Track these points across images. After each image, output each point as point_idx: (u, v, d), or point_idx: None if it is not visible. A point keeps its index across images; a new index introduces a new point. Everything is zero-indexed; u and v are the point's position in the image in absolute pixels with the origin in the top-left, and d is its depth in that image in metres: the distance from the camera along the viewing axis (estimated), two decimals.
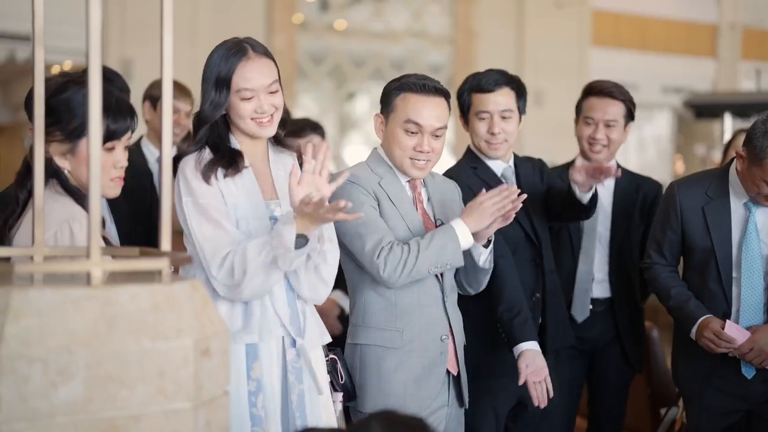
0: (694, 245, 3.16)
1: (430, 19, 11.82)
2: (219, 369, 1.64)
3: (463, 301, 3.03)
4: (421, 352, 2.82)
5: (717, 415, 3.17)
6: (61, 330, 1.48)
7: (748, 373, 3.10)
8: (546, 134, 11.29)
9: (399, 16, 11.69)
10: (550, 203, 3.34)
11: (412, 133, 2.81)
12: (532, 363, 2.98)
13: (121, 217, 3.00)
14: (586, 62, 12.48)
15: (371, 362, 2.80)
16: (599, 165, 3.09)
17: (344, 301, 3.88)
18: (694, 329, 3.12)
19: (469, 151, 3.36)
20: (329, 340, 2.68)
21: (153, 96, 4.46)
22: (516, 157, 3.40)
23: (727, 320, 3.07)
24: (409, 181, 2.90)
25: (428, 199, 2.95)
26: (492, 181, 3.21)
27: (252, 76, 2.50)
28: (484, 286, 3.01)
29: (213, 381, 1.62)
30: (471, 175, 3.22)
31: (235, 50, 2.52)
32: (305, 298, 2.58)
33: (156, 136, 4.45)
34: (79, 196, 2.35)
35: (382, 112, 2.89)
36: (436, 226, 2.85)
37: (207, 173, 2.47)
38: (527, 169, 3.39)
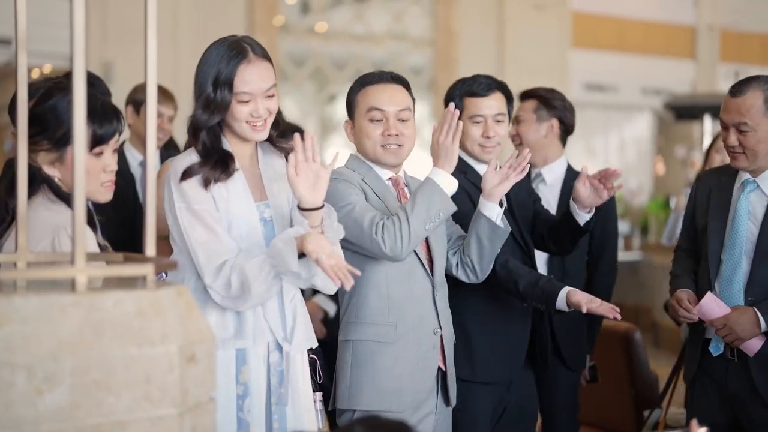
0: (698, 226, 3.28)
1: (410, 21, 11.82)
2: (205, 375, 1.63)
3: (470, 297, 3.07)
4: (414, 346, 2.83)
5: (704, 405, 3.20)
6: (47, 336, 1.48)
7: (715, 350, 3.16)
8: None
9: (379, 18, 11.69)
10: (539, 231, 3.35)
11: (377, 120, 2.84)
12: (582, 294, 2.97)
13: (106, 223, 2.98)
14: (567, 63, 12.53)
15: (365, 358, 2.80)
16: (605, 170, 3.07)
17: (328, 305, 3.88)
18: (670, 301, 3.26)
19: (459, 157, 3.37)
20: (315, 345, 2.67)
21: (136, 100, 4.44)
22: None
23: (709, 292, 3.13)
24: (390, 178, 2.91)
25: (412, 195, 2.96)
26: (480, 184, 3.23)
27: (252, 79, 2.48)
28: (491, 265, 3.00)
29: (199, 387, 1.62)
30: (463, 179, 3.23)
31: (236, 51, 2.49)
32: (318, 287, 2.55)
33: (139, 140, 4.43)
34: (71, 203, 2.34)
35: (349, 118, 2.93)
36: None
37: (202, 179, 2.46)
38: None
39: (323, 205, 2.45)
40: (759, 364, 3.08)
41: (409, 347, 2.83)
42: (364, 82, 2.92)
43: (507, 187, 2.86)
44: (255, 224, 2.51)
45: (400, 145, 2.86)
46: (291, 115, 9.84)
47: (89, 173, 2.32)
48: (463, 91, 3.27)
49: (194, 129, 2.51)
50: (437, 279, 2.92)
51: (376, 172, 2.91)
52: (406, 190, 2.96)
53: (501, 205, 2.91)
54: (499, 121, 3.26)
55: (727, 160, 3.24)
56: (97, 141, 2.36)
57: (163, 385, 1.55)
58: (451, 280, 3.04)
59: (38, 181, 2.32)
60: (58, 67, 9.59)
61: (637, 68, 13.25)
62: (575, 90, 12.87)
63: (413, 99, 2.96)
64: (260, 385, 2.50)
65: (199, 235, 2.41)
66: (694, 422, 1.86)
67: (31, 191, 2.21)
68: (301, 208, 2.41)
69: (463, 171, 3.27)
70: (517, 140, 3.95)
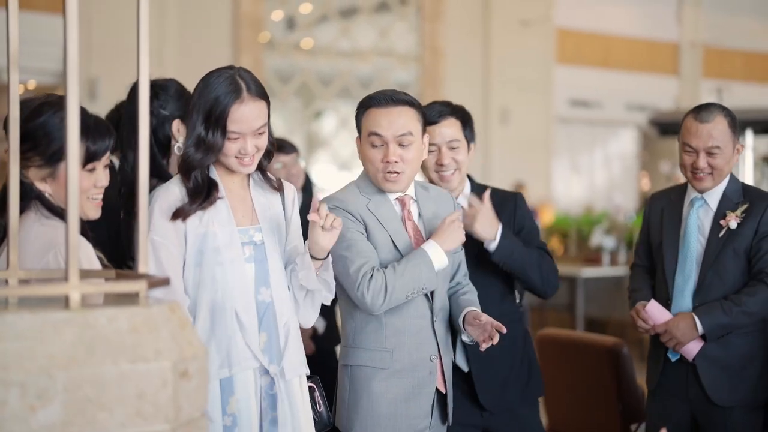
0: (653, 242, 3.53)
1: (396, 37, 11.89)
2: (197, 391, 1.64)
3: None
4: (410, 372, 2.83)
5: (666, 409, 3.39)
6: (40, 353, 1.48)
7: (673, 356, 3.39)
8: (512, 151, 11.37)
9: (366, 34, 11.74)
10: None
11: (377, 146, 2.83)
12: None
13: (99, 241, 2.96)
14: (551, 80, 12.61)
15: (361, 383, 2.81)
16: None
17: (318, 322, 3.89)
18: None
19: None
20: (307, 372, 2.67)
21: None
22: (477, 186, 3.35)
23: (652, 299, 3.40)
24: (397, 198, 2.91)
25: (419, 215, 2.94)
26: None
27: (243, 119, 2.46)
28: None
29: (191, 403, 1.62)
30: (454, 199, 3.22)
31: (230, 89, 2.46)
32: (299, 321, 2.61)
33: None
34: (65, 217, 2.34)
35: (359, 135, 2.92)
36: None
37: (182, 211, 2.46)
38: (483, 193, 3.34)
39: (329, 255, 2.60)
40: (705, 366, 3.31)
41: (405, 373, 2.83)
42: (367, 103, 2.88)
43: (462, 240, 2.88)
44: (237, 248, 2.51)
45: (398, 172, 2.81)
46: (277, 131, 9.86)
47: (80, 189, 2.32)
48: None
49: (187, 167, 2.50)
50: (437, 304, 2.90)
51: (384, 193, 2.90)
52: (412, 211, 2.93)
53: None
54: (453, 148, 3.22)
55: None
56: (90, 157, 2.36)
57: (156, 402, 1.55)
58: None
59: (30, 197, 2.32)
60: (43, 83, 9.60)
61: (621, 84, 13.36)
62: (560, 106, 12.96)
63: (424, 117, 2.91)
64: (251, 414, 2.48)
65: (150, 268, 2.42)
66: (663, 430, 1.90)
67: (23, 207, 2.21)
68: (314, 257, 2.56)
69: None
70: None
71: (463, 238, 2.81)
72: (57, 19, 8.77)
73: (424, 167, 3.22)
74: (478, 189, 3.33)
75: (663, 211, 3.50)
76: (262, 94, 2.53)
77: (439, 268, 2.77)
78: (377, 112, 2.84)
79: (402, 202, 2.90)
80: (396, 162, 2.80)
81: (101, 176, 2.41)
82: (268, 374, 2.53)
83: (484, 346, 2.79)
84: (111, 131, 2.44)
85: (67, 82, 1.59)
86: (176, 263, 2.47)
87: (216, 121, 2.45)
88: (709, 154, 3.30)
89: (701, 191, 3.39)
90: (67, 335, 1.50)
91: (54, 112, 2.32)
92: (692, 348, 3.30)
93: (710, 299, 3.31)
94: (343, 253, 2.74)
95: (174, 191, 2.49)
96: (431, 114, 3.18)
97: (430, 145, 3.14)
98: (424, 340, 2.85)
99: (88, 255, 2.27)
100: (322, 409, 2.74)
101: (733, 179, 3.42)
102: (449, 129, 3.21)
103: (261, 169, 2.62)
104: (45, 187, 2.35)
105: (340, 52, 11.60)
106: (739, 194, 3.38)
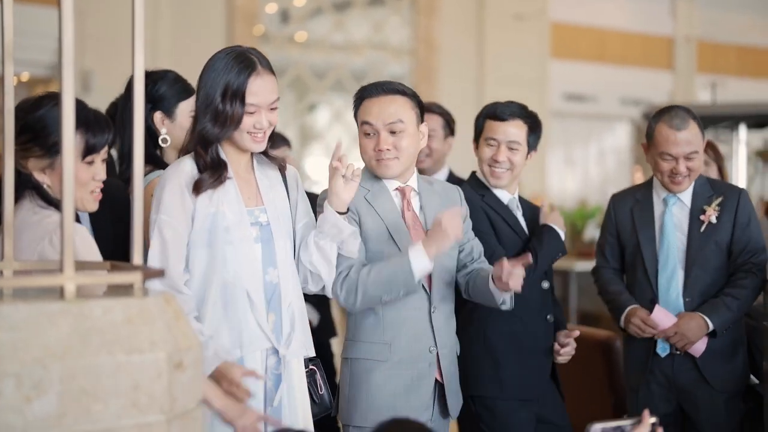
0: (626, 243, 3.58)
1: (390, 31, 11.87)
2: (192, 382, 1.64)
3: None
4: (409, 364, 2.85)
5: (653, 401, 3.46)
6: (35, 344, 1.48)
7: (662, 351, 3.45)
8: None
9: (360, 28, 11.72)
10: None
11: (369, 134, 2.86)
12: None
13: (103, 235, 2.95)
14: (546, 74, 12.61)
15: (360, 376, 2.83)
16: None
17: (310, 314, 3.89)
18: (622, 318, 3.52)
19: (474, 177, 3.37)
20: (312, 354, 2.68)
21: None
22: (520, 197, 3.40)
23: (657, 305, 3.43)
24: (398, 188, 2.92)
25: (420, 207, 2.95)
26: (499, 209, 3.24)
27: (261, 91, 2.50)
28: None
29: (186, 394, 1.63)
30: (481, 201, 3.23)
31: (245, 63, 2.50)
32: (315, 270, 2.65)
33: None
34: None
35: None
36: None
37: (199, 183, 2.47)
38: (532, 210, 3.40)
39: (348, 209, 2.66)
40: (703, 355, 3.41)
41: (403, 365, 2.85)
42: (361, 95, 2.92)
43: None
44: (246, 230, 2.53)
45: (393, 158, 2.84)
46: None
47: (79, 181, 2.34)
48: (486, 113, 3.29)
49: (205, 142, 2.51)
50: (435, 296, 2.91)
51: (384, 183, 2.91)
52: (413, 202, 2.94)
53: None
54: (513, 149, 3.24)
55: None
56: (89, 150, 2.37)
57: (151, 392, 1.55)
58: None
59: (26, 187, 2.33)
60: (37, 75, 9.58)
61: (615, 79, 13.36)
62: (555, 100, 12.96)
63: (420, 106, 2.92)
64: (259, 392, 2.51)
65: (156, 246, 2.43)
66: (646, 412, 1.92)
67: (17, 197, 2.22)
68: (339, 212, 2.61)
69: (480, 194, 3.28)
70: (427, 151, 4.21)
71: (459, 235, 2.73)
72: (51, 11, 8.74)
73: (478, 158, 3.28)
74: (523, 203, 3.40)
75: (632, 211, 3.56)
76: (272, 70, 2.58)
77: (420, 274, 2.74)
78: (369, 101, 2.89)
79: (402, 192, 2.91)
80: (388, 149, 2.82)
81: (100, 169, 2.42)
82: (274, 355, 2.55)
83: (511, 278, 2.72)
84: (110, 125, 2.46)
85: (62, 75, 1.59)
86: (181, 243, 2.48)
87: (234, 93, 2.47)
88: (688, 159, 3.39)
89: (679, 192, 3.48)
90: (62, 326, 1.51)
91: (53, 104, 2.34)
92: (700, 346, 3.41)
93: (698, 294, 3.41)
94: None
95: (185, 169, 2.51)
96: (502, 111, 3.26)
97: (491, 139, 3.20)
98: (422, 331, 2.87)
99: (86, 240, 2.28)
100: (323, 392, 2.74)
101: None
102: (514, 129, 3.25)
103: (264, 151, 2.64)
104: (44, 178, 2.36)
105: (334, 46, 11.59)
106: (707, 187, 3.50)
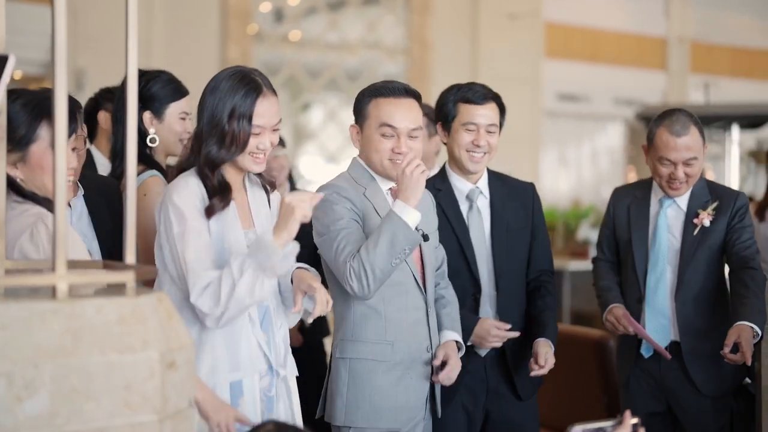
0: (620, 239, 3.60)
1: (384, 30, 11.87)
2: (184, 381, 1.64)
3: None
4: (409, 364, 2.85)
5: (642, 399, 3.49)
6: (27, 343, 1.48)
7: (646, 352, 3.48)
8: (501, 143, 11.33)
9: (354, 27, 11.72)
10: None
11: (388, 136, 2.84)
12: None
13: (104, 233, 2.93)
14: (540, 74, 12.62)
15: (362, 376, 2.81)
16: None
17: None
18: (604, 314, 3.52)
19: (442, 170, 3.35)
20: (297, 373, 2.68)
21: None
22: (494, 174, 3.38)
23: (646, 331, 3.41)
24: (390, 188, 2.91)
25: None
26: (449, 208, 3.21)
27: (266, 113, 2.50)
28: None
29: (179, 393, 1.62)
30: (436, 195, 3.20)
31: (251, 85, 2.49)
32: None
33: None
34: (38, 200, 2.35)
35: (356, 123, 2.91)
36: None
37: (211, 207, 2.46)
38: (502, 191, 3.35)
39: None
40: (691, 358, 3.42)
41: (405, 365, 2.85)
42: (377, 92, 2.88)
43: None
44: (243, 250, 2.51)
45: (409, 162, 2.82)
46: None
47: (45, 169, 2.34)
48: (458, 97, 3.24)
49: (212, 165, 2.49)
50: (429, 296, 2.93)
51: (378, 183, 2.90)
52: None
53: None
54: (490, 132, 3.23)
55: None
56: None
57: (143, 392, 1.55)
58: None
59: None
60: (29, 74, 9.55)
61: (609, 78, 13.37)
62: (548, 100, 12.96)
63: (421, 109, 2.94)
64: (256, 415, 2.51)
65: (191, 252, 2.40)
66: (627, 413, 1.92)
67: None
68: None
69: (438, 188, 3.25)
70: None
71: (417, 175, 2.71)
72: (44, 9, 8.72)
73: (454, 144, 3.22)
74: (494, 178, 3.38)
75: (629, 208, 3.57)
76: (275, 92, 2.59)
77: (415, 223, 2.72)
78: (390, 102, 2.85)
79: (394, 192, 2.91)
80: (406, 152, 2.83)
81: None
82: (267, 376, 2.54)
83: None
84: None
85: (55, 73, 1.58)
86: (212, 248, 2.45)
87: (241, 115, 2.47)
88: (687, 164, 3.39)
89: (676, 197, 3.48)
90: (55, 325, 1.50)
91: (15, 98, 2.34)
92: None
93: (689, 296, 3.42)
94: (334, 241, 2.75)
95: (193, 185, 2.48)
96: (474, 95, 3.23)
97: (469, 124, 3.18)
98: (420, 331, 2.88)
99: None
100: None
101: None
102: (491, 112, 3.25)
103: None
104: (16, 173, 2.36)
105: (328, 45, 11.58)
106: (705, 192, 3.49)
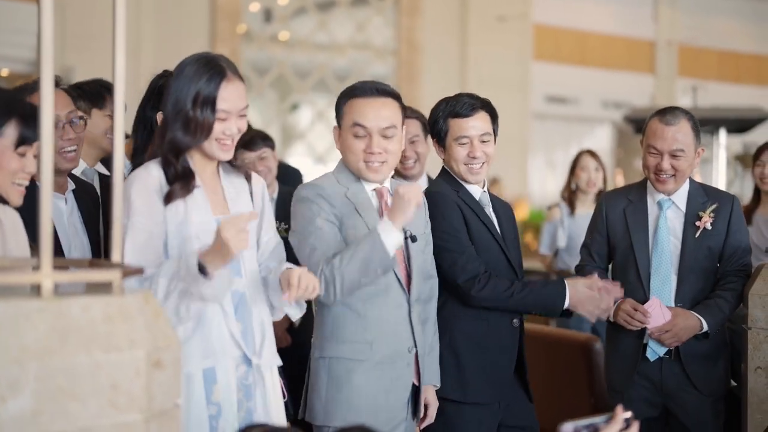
0: (617, 244, 3.53)
1: (374, 31, 11.87)
2: (171, 381, 1.63)
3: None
4: (389, 364, 2.82)
5: (639, 405, 3.41)
6: (11, 343, 1.46)
7: (652, 356, 3.42)
8: None
9: (343, 27, 11.72)
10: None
11: (360, 136, 2.82)
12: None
13: (95, 229, 2.92)
14: (528, 76, 12.64)
15: (341, 375, 2.79)
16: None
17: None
18: (611, 310, 3.41)
19: (446, 172, 3.34)
20: (280, 363, 2.66)
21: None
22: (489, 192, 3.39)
23: (653, 297, 3.39)
24: (374, 189, 2.90)
25: None
26: (473, 205, 3.20)
27: (231, 98, 2.46)
28: None
29: (165, 393, 1.61)
30: (456, 197, 3.20)
31: (215, 69, 2.46)
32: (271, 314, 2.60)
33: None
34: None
35: (338, 125, 2.90)
36: (405, 237, 2.85)
37: (171, 194, 2.44)
38: (503, 206, 3.37)
39: None
40: (689, 359, 3.39)
41: (385, 365, 2.82)
42: (351, 93, 2.86)
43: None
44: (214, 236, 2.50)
45: (382, 162, 2.82)
46: (254, 124, 9.84)
47: (7, 170, 2.32)
48: (447, 112, 3.21)
49: (176, 150, 2.47)
50: (414, 296, 2.89)
51: (361, 183, 2.89)
52: (389, 203, 2.93)
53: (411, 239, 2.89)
54: (484, 141, 3.22)
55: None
56: (21, 141, 2.35)
57: (129, 391, 1.54)
58: (441, 297, 3.06)
59: None
60: (16, 71, 9.51)
61: (597, 81, 13.42)
62: (536, 102, 12.99)
63: (404, 110, 2.91)
64: (232, 402, 2.49)
65: (130, 249, 2.38)
66: (619, 407, 1.90)
67: None
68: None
69: (455, 189, 3.23)
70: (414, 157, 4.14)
71: (419, 201, 2.69)
72: (31, 6, 8.68)
73: (451, 159, 3.22)
74: (492, 198, 3.36)
75: (625, 212, 3.52)
76: (241, 77, 2.54)
77: (393, 249, 2.69)
78: (362, 102, 2.83)
79: (380, 193, 2.90)
80: (380, 153, 2.80)
81: (30, 162, 2.39)
82: (244, 364, 2.53)
83: None
84: (33, 124, 2.45)
85: (41, 70, 1.57)
86: (157, 245, 2.44)
87: (205, 100, 2.44)
88: (673, 156, 3.36)
89: (664, 193, 3.46)
90: (40, 325, 1.49)
91: None
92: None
93: (690, 299, 3.39)
94: (309, 241, 2.73)
95: (153, 174, 2.47)
96: (463, 108, 3.20)
97: (462, 137, 3.17)
98: (402, 331, 2.85)
99: (17, 227, 2.27)
100: (286, 399, 2.73)
101: (691, 180, 3.51)
102: (481, 122, 3.21)
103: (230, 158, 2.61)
104: None
105: (317, 45, 11.58)
106: (702, 193, 3.48)
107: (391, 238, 2.68)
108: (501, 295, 3.01)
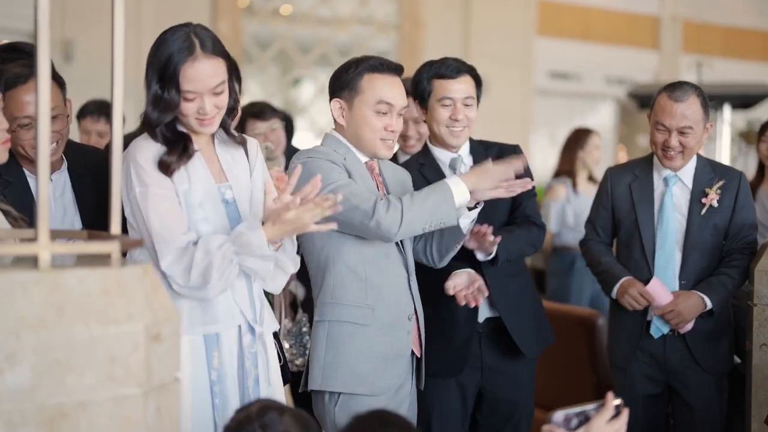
0: (622, 219, 3.52)
1: (376, 5, 11.79)
2: (170, 354, 1.61)
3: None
4: (390, 330, 2.81)
5: (641, 381, 3.44)
6: (8, 315, 1.45)
7: (656, 333, 3.42)
8: (491, 123, 11.33)
9: (345, 2, 11.64)
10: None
11: (383, 113, 2.80)
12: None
13: (88, 209, 2.87)
14: (531, 52, 12.57)
15: (342, 340, 2.77)
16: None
17: (297, 289, 3.85)
18: (615, 288, 3.44)
19: (424, 146, 3.36)
20: (278, 327, 2.66)
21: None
22: (476, 142, 3.37)
23: (654, 278, 3.38)
24: (366, 163, 2.88)
25: (384, 182, 2.95)
26: (434, 179, 3.18)
27: (196, 78, 2.39)
28: (450, 256, 2.99)
29: (163, 367, 1.60)
30: (416, 172, 3.20)
31: (182, 47, 2.39)
32: (266, 288, 2.57)
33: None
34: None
35: (341, 97, 2.85)
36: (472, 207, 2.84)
37: (166, 163, 2.41)
38: (484, 157, 3.33)
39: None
40: (693, 337, 3.40)
41: (385, 331, 2.81)
42: (372, 67, 2.82)
43: (494, 196, 2.79)
44: (218, 204, 2.48)
45: (394, 140, 2.85)
46: (255, 98, 9.79)
47: None
48: (432, 74, 3.23)
49: (148, 126, 2.45)
50: (410, 264, 2.91)
51: (355, 154, 2.87)
52: (380, 176, 2.92)
53: (474, 207, 2.88)
54: (467, 105, 3.23)
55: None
56: None
57: (127, 365, 1.52)
58: None
59: None
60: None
61: (600, 57, 13.34)
62: (540, 78, 12.93)
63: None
64: (234, 369, 2.49)
65: (158, 220, 2.36)
66: (610, 394, 1.91)
67: None
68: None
69: (421, 162, 3.25)
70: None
71: (500, 187, 2.75)
72: None
73: (433, 120, 3.23)
74: (476, 146, 3.36)
75: (631, 187, 3.50)
76: (219, 52, 2.46)
77: (460, 204, 2.71)
78: (387, 80, 2.82)
79: (370, 166, 2.89)
80: (396, 131, 2.83)
81: (1, 119, 2.34)
82: (249, 333, 2.52)
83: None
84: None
85: (37, 41, 1.55)
86: (179, 211, 2.41)
87: (169, 79, 2.40)
88: (681, 133, 3.33)
89: (671, 169, 3.43)
90: (37, 296, 1.47)
91: None
92: (689, 324, 3.38)
93: (694, 276, 3.38)
94: (351, 202, 2.65)
95: (153, 144, 2.45)
96: (447, 69, 3.22)
97: (445, 99, 3.18)
98: (402, 297, 2.85)
99: None
100: (282, 362, 2.72)
101: (698, 156, 3.47)
102: (465, 86, 3.23)
103: (224, 126, 2.58)
104: None
105: (320, 20, 11.50)
106: (708, 168, 3.45)
107: (461, 194, 2.70)
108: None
